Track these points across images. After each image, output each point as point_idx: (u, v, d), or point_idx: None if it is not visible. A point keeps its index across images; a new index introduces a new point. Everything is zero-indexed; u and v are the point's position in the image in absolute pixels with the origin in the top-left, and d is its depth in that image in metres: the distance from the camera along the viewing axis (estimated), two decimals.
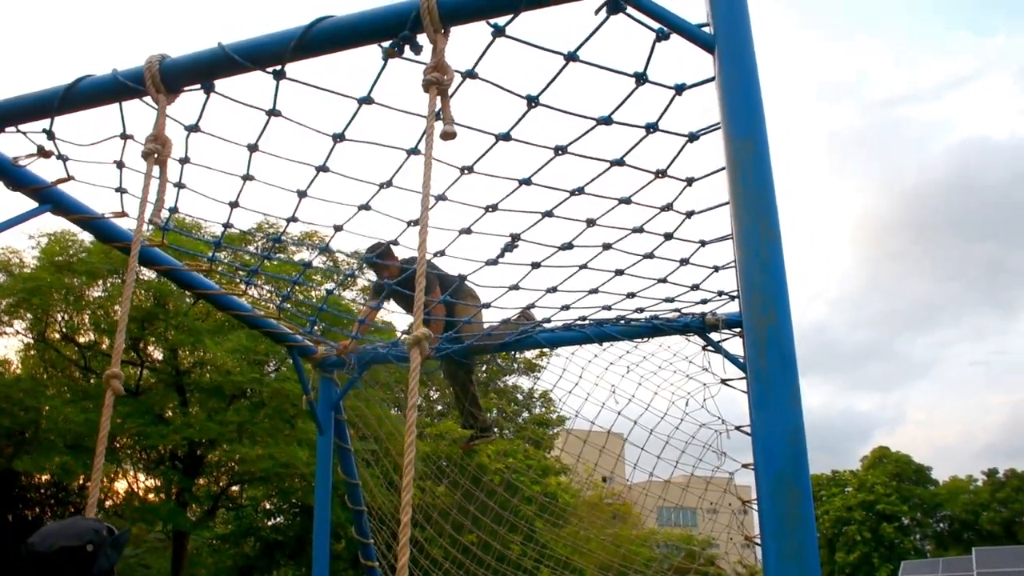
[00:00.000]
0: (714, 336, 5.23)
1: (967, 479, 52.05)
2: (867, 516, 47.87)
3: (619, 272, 4.16)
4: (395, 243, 3.93)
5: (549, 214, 3.49)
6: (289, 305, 5.65)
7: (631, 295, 4.68)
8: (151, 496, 19.12)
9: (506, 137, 2.92)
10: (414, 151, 3.04)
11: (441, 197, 3.35)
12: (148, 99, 2.88)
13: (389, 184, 3.30)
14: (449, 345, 5.32)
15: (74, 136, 3.24)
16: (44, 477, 17.92)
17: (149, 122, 2.86)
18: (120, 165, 3.39)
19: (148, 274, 16.08)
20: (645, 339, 5.44)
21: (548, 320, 5.31)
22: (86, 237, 16.11)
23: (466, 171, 3.16)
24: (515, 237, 3.71)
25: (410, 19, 2.47)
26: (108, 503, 18.96)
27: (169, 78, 2.81)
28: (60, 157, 3.36)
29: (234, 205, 3.61)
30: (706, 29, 2.32)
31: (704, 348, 5.36)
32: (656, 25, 2.42)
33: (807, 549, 1.82)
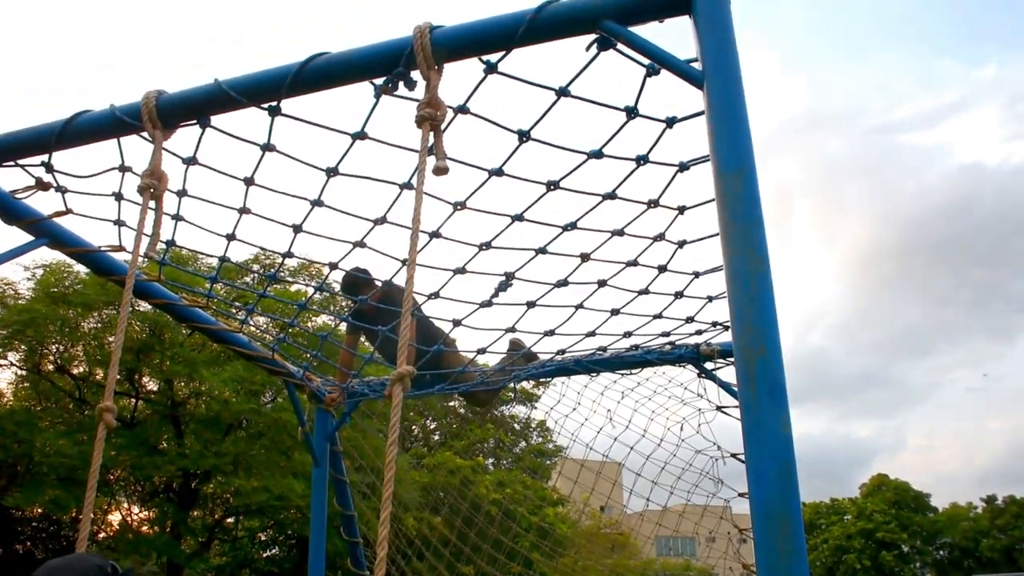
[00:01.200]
0: (709, 366, 5.24)
1: (967, 506, 51.81)
2: (866, 544, 47.55)
3: (615, 312, 4.15)
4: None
5: (543, 251, 3.48)
6: (284, 335, 5.65)
7: (628, 334, 4.69)
8: (145, 528, 18.95)
9: (498, 172, 2.94)
10: (407, 185, 3.05)
11: (435, 234, 3.34)
12: (145, 134, 2.91)
13: (383, 220, 3.29)
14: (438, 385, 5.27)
15: (73, 168, 3.27)
16: (36, 511, 17.74)
17: (148, 153, 2.89)
18: (119, 197, 3.40)
19: (144, 305, 16.08)
20: (639, 370, 5.45)
21: (535, 356, 5.30)
22: (82, 269, 16.10)
23: (459, 207, 3.16)
24: (509, 276, 3.68)
25: (404, 56, 2.51)
26: (101, 535, 18.78)
27: (165, 114, 2.84)
28: (59, 189, 3.37)
29: (231, 238, 3.61)
30: (695, 64, 2.36)
31: (699, 375, 5.37)
32: (646, 61, 2.46)
33: None
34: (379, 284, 4.72)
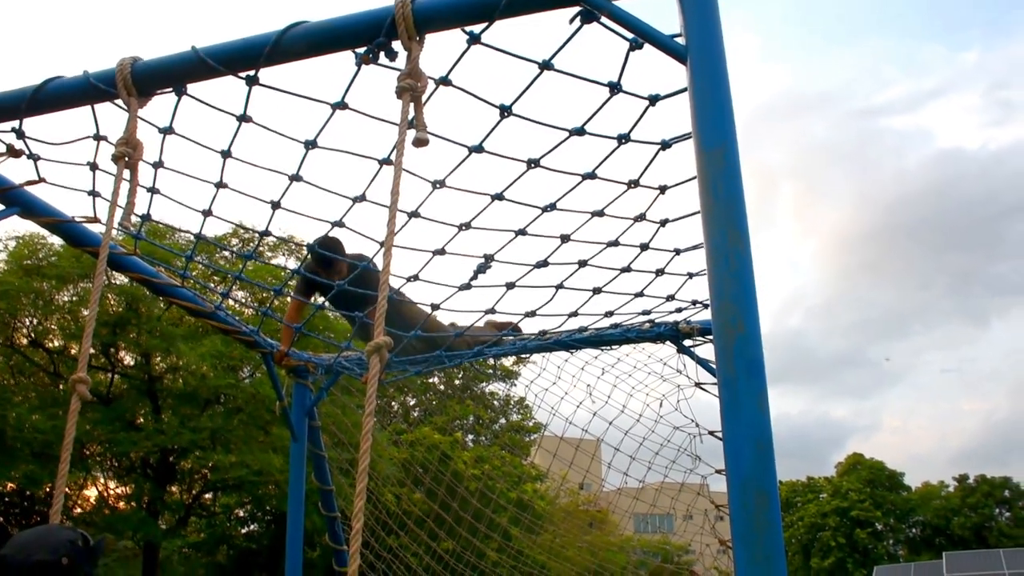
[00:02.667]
0: (688, 343, 5.26)
1: (939, 485, 52.72)
2: (841, 522, 48.29)
3: (596, 291, 4.11)
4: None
5: (523, 232, 3.45)
6: (267, 308, 5.59)
7: (609, 313, 4.68)
8: (121, 504, 18.86)
9: (479, 149, 2.90)
10: (387, 161, 3.01)
11: (414, 214, 3.29)
12: (120, 102, 2.86)
13: (362, 198, 3.24)
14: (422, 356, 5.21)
15: (47, 135, 3.20)
16: (9, 486, 17.60)
17: (123, 123, 2.83)
18: (93, 167, 3.34)
19: (120, 279, 15.91)
20: (618, 346, 5.46)
21: (516, 332, 5.26)
22: (56, 240, 15.90)
23: (439, 185, 3.12)
24: (489, 258, 3.63)
25: (385, 25, 2.47)
26: (77, 511, 18.69)
27: (141, 81, 2.79)
28: (31, 157, 3.30)
29: (207, 214, 3.55)
30: (679, 39, 2.34)
31: (679, 352, 5.39)
32: (629, 35, 2.43)
33: (775, 555, 1.84)
34: (350, 260, 4.66)
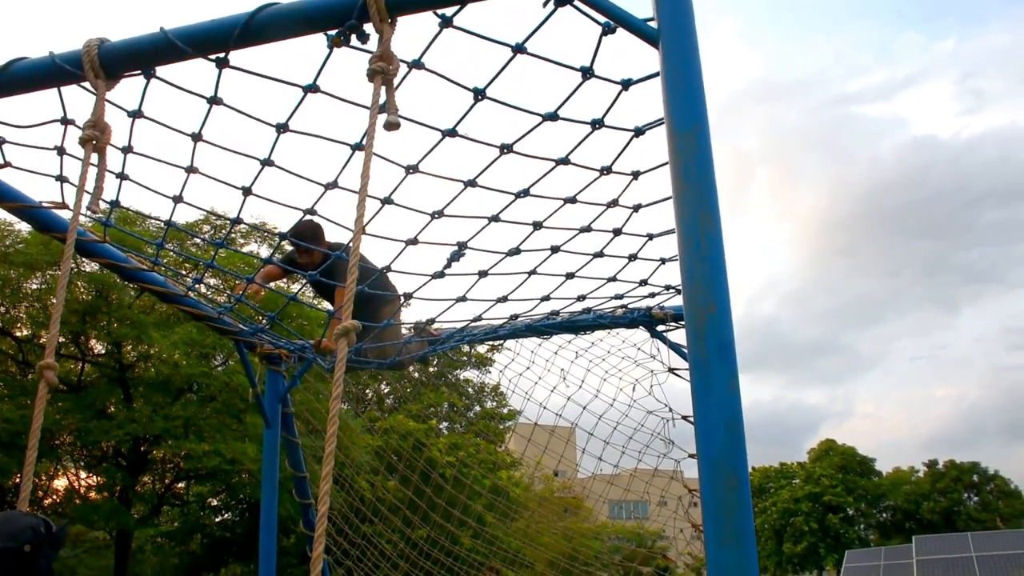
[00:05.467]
0: (661, 328, 5.29)
1: (909, 470, 53.66)
2: (813, 507, 49.02)
3: (569, 276, 4.12)
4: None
5: (495, 219, 3.43)
6: (241, 295, 5.54)
7: (582, 297, 4.69)
8: (93, 494, 18.68)
9: (452, 133, 2.89)
10: (358, 147, 2.98)
11: (387, 200, 3.26)
12: (87, 84, 2.81)
13: (334, 185, 3.21)
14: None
15: (12, 118, 3.14)
16: None
17: (91, 107, 2.78)
18: (61, 152, 3.27)
19: (90, 266, 15.68)
20: (591, 332, 5.49)
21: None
22: (24, 227, 15.64)
23: (411, 170, 3.10)
24: (462, 246, 3.62)
25: (357, 7, 2.45)
26: (47, 501, 18.49)
27: (108, 63, 2.74)
28: None
29: (178, 200, 3.50)
30: (651, 23, 2.34)
31: (652, 336, 5.43)
32: (602, 19, 2.43)
33: (745, 535, 1.86)
34: (324, 250, 4.65)
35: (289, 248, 5.23)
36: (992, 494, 50.28)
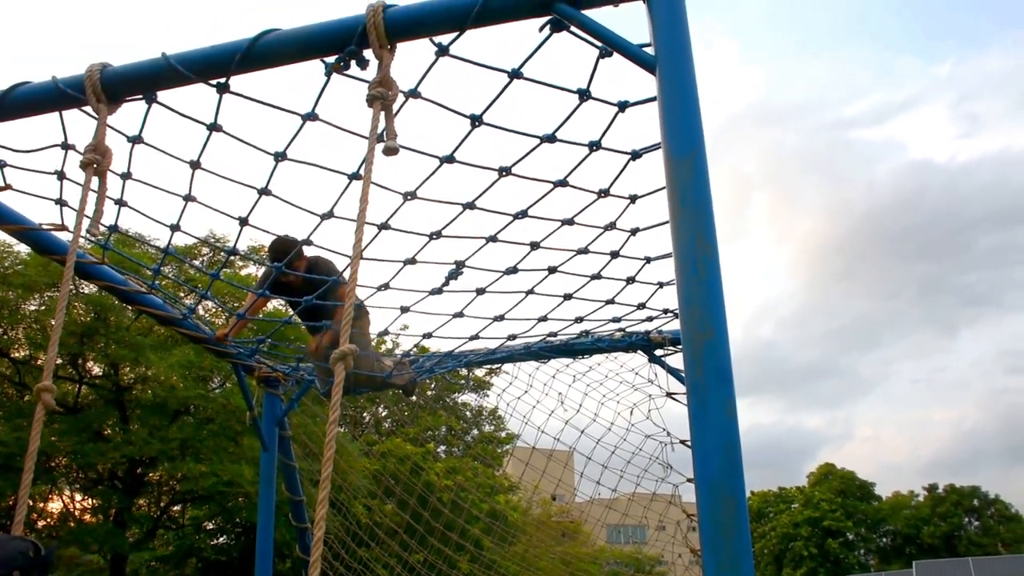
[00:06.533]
0: (659, 353, 5.29)
1: (909, 494, 53.36)
2: (813, 532, 48.67)
3: (567, 297, 4.14)
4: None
5: (493, 239, 3.45)
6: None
7: (579, 319, 4.70)
8: (88, 517, 18.53)
9: (450, 160, 2.91)
10: (355, 176, 2.99)
11: (384, 226, 3.28)
12: (89, 108, 2.83)
13: (330, 215, 3.23)
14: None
15: (14, 142, 3.16)
16: None
17: (91, 132, 2.80)
18: (61, 176, 3.29)
19: (88, 288, 15.68)
20: (589, 355, 5.48)
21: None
22: (23, 248, 15.65)
23: (409, 197, 3.12)
24: (459, 264, 3.63)
25: (356, 34, 2.48)
26: (41, 524, 18.34)
27: (110, 87, 2.76)
28: None
29: (175, 228, 3.53)
30: (648, 49, 2.37)
31: (650, 362, 5.43)
32: (599, 44, 2.46)
33: (743, 560, 1.85)
34: (307, 256, 4.70)
35: (265, 266, 5.26)
36: (993, 519, 49.98)
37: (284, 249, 4.53)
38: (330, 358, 2.03)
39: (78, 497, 19.48)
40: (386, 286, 3.82)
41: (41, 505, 18.88)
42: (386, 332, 5.04)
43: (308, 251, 4.60)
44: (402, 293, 3.89)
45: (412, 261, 3.56)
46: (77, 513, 19.03)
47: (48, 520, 18.82)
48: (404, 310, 4.08)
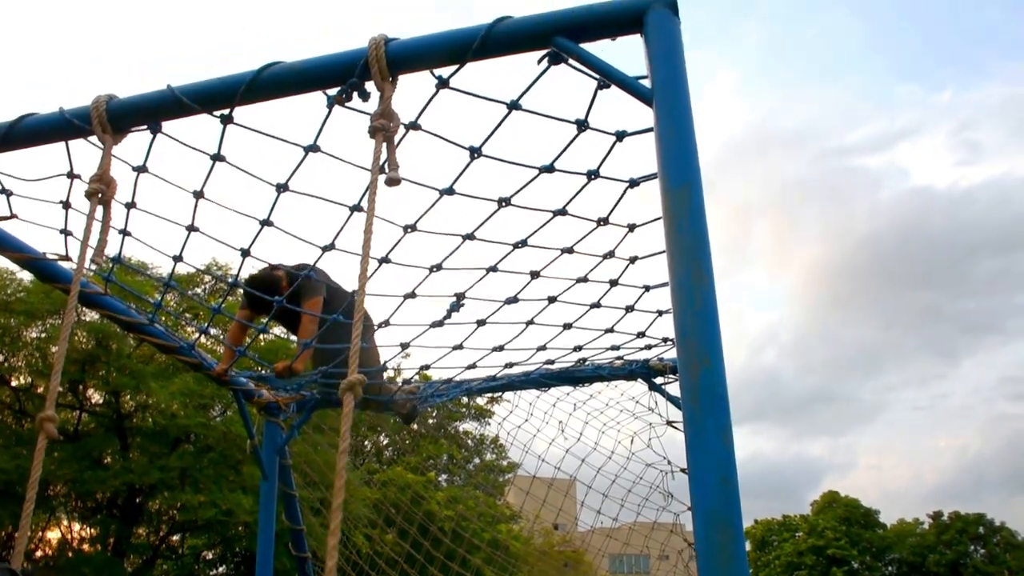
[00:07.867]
0: (659, 380, 5.29)
1: (914, 522, 52.95)
2: (818, 560, 48.27)
3: (567, 326, 4.16)
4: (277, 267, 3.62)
5: (493, 269, 3.48)
6: (242, 349, 5.56)
7: (578, 348, 4.71)
8: (86, 546, 18.42)
9: (450, 192, 2.94)
10: (357, 208, 3.02)
11: (384, 260, 3.31)
12: (94, 139, 2.87)
13: (331, 247, 3.26)
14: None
15: (20, 172, 3.20)
16: None
17: (97, 162, 2.84)
18: (66, 206, 3.32)
19: (90, 315, 15.70)
20: (590, 383, 5.49)
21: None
22: (26, 276, 15.72)
23: (410, 230, 3.14)
24: (460, 297, 3.66)
25: (359, 66, 2.52)
26: (39, 553, 18.22)
27: (116, 118, 2.81)
28: (3, 192, 3.30)
29: (177, 259, 3.56)
30: (644, 81, 2.40)
31: (650, 390, 5.43)
32: (597, 76, 2.50)
33: None
34: (288, 276, 4.65)
35: (241, 322, 5.25)
36: (999, 546, 49.53)
37: (273, 281, 4.57)
38: (340, 388, 2.04)
39: (76, 527, 19.38)
40: (387, 323, 3.84)
41: (40, 534, 18.77)
42: (385, 367, 5.04)
43: (278, 267, 4.58)
44: (402, 328, 3.92)
45: (412, 295, 3.58)
46: (75, 543, 18.92)
47: (47, 550, 18.70)
48: (404, 346, 4.09)
